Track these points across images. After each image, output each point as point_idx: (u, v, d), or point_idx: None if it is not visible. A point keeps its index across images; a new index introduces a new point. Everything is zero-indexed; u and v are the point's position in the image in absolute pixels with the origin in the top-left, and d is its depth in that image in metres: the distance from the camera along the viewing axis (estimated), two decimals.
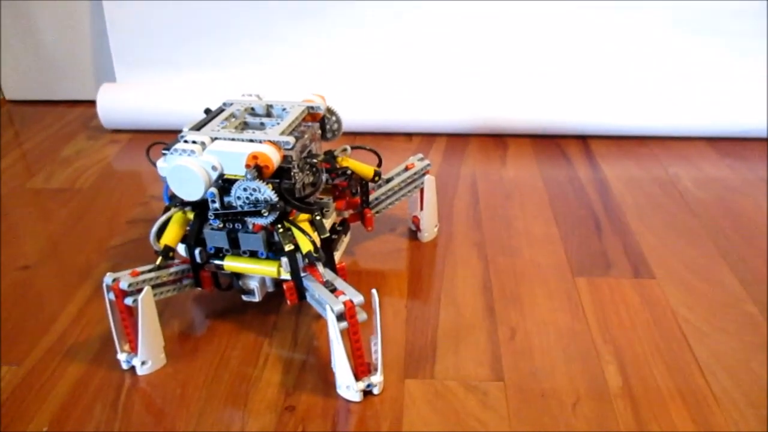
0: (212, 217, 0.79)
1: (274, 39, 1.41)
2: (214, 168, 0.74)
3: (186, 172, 0.73)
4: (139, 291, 0.75)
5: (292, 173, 0.77)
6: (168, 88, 1.42)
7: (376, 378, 0.74)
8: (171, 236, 0.80)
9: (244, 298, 0.83)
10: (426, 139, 1.38)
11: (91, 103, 1.60)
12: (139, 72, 1.46)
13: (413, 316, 0.87)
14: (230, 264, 0.80)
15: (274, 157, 0.73)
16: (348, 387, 0.73)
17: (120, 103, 1.43)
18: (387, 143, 1.35)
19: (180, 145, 0.75)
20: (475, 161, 1.28)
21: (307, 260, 0.76)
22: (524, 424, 0.70)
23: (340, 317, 0.70)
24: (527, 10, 1.34)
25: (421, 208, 1.00)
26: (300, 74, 1.44)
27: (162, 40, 1.44)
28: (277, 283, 0.84)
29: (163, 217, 0.81)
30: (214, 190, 0.76)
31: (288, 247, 0.76)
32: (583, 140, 1.36)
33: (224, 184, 0.76)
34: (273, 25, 1.40)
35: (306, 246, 0.76)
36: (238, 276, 0.83)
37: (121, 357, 0.79)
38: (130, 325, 0.77)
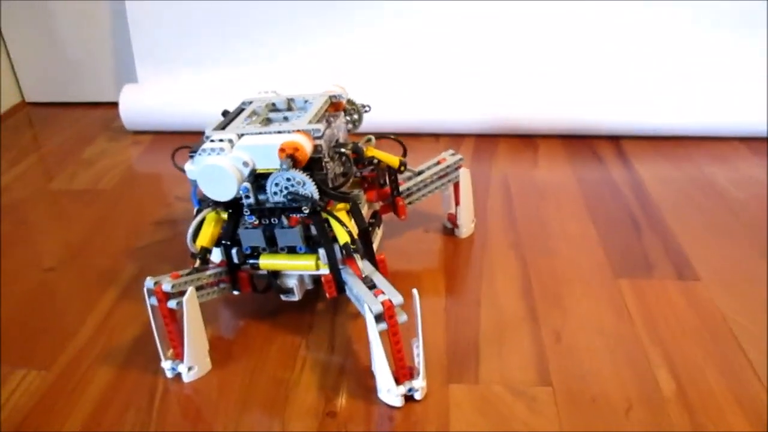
0: (247, 213, 0.76)
1: (298, 37, 1.39)
2: (245, 164, 0.72)
3: (217, 171, 0.71)
4: (182, 294, 0.73)
5: (323, 163, 0.74)
6: (191, 88, 1.40)
7: (418, 383, 0.71)
8: (207, 237, 0.78)
9: (284, 298, 0.81)
10: (454, 139, 1.36)
11: (112, 105, 1.58)
12: (162, 73, 1.45)
13: (453, 319, 0.84)
14: (267, 262, 0.78)
15: (306, 145, 0.71)
16: (389, 391, 0.71)
17: (143, 104, 1.41)
18: (414, 144, 1.33)
19: (207, 145, 0.73)
20: (506, 162, 1.25)
21: (345, 252, 0.73)
22: (576, 430, 0.67)
23: (378, 318, 0.68)
24: (557, 9, 1.31)
25: (457, 203, 0.98)
26: (324, 73, 1.41)
27: (184, 41, 1.42)
28: (316, 280, 0.81)
29: (198, 218, 0.79)
30: (247, 184, 0.74)
31: (326, 238, 0.74)
32: (615, 141, 1.33)
33: (257, 180, 0.74)
34: (297, 23, 1.38)
35: (343, 237, 0.73)
36: (275, 275, 0.80)
37: (165, 365, 0.76)
38: (174, 330, 0.74)
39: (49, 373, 0.78)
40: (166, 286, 0.72)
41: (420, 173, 0.94)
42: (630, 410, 0.69)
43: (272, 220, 0.76)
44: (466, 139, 1.35)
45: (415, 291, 0.69)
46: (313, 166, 0.74)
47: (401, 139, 0.95)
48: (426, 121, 1.34)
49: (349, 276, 0.74)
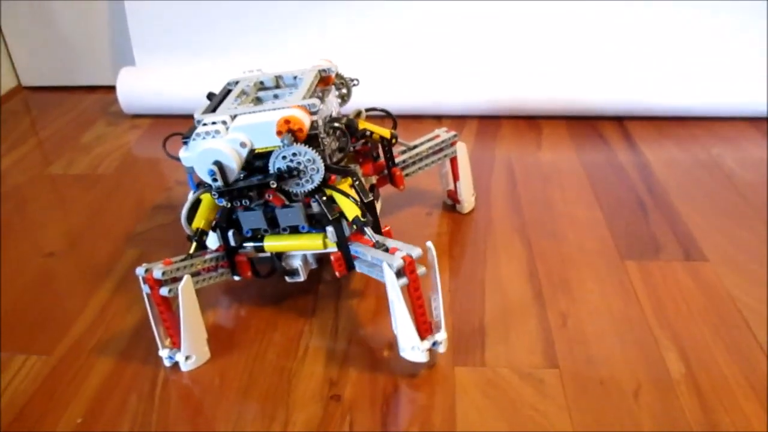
0: (216, 197, 0.73)
1: (298, 20, 1.37)
2: (242, 144, 0.70)
3: (215, 155, 0.69)
4: (175, 280, 0.71)
5: (320, 139, 0.73)
6: (189, 71, 1.38)
7: (441, 335, 0.70)
8: (203, 219, 0.76)
9: (288, 279, 0.79)
10: (456, 121, 1.34)
11: (109, 89, 1.56)
12: (159, 56, 1.42)
13: (458, 302, 0.83)
14: (272, 244, 0.76)
15: (305, 120, 0.70)
16: (413, 348, 0.69)
17: (140, 87, 1.39)
18: (416, 126, 1.31)
19: (201, 129, 0.71)
20: (510, 144, 1.24)
21: (354, 227, 0.71)
22: (585, 414, 0.66)
23: (399, 273, 0.67)
24: None
25: (456, 178, 0.97)
26: (325, 56, 1.39)
27: (182, 23, 1.40)
28: (320, 258, 0.79)
29: (192, 198, 0.76)
30: (213, 167, 0.69)
31: (333, 215, 0.72)
32: (620, 122, 1.31)
33: (255, 161, 0.72)
34: (296, 7, 1.35)
35: (353, 211, 0.71)
36: (279, 257, 0.78)
37: (163, 354, 0.74)
38: (169, 318, 0.73)
39: (50, 358, 0.77)
40: (157, 273, 0.70)
41: (414, 147, 0.94)
42: (639, 393, 0.69)
43: (243, 201, 0.73)
44: (469, 121, 1.34)
45: (429, 243, 0.68)
46: (309, 142, 0.72)
47: (405, 130, 0.93)
48: (429, 103, 1.32)
49: (359, 248, 0.73)
